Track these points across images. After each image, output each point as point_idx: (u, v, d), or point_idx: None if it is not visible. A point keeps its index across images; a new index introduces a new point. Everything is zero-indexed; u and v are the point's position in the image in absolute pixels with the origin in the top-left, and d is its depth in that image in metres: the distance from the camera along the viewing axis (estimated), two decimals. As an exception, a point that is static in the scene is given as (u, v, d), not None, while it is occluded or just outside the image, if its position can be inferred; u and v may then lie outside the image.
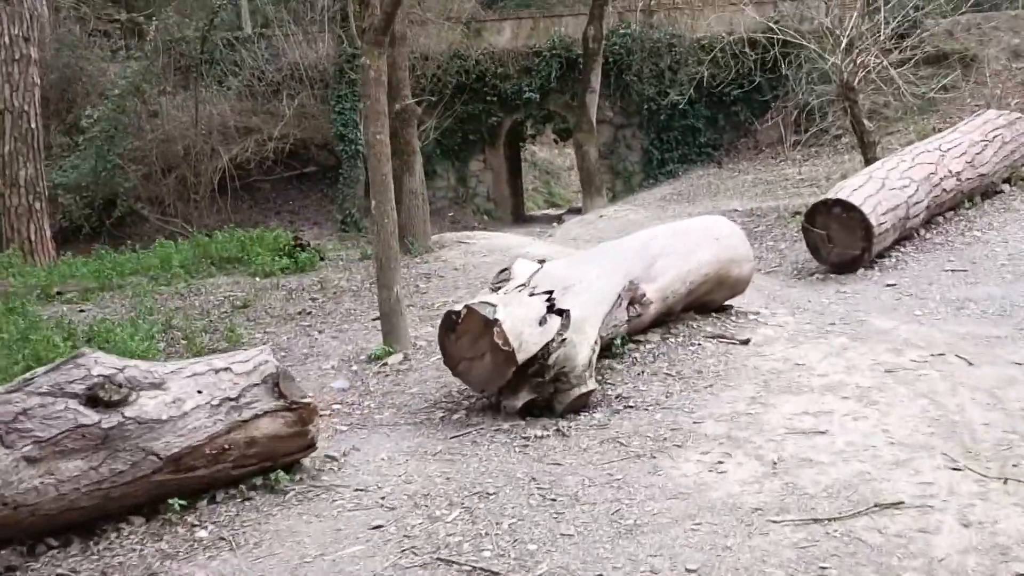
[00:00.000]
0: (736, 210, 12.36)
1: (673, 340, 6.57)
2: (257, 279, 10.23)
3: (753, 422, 5.00)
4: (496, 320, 5.06)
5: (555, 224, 18.49)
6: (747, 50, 15.61)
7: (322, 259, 11.26)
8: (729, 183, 15.70)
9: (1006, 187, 10.13)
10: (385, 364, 6.54)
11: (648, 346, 6.44)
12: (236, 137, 17.29)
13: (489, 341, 5.11)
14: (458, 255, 11.09)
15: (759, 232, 10.67)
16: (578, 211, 18.91)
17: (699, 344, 6.50)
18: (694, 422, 5.06)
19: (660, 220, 12.98)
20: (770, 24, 12.41)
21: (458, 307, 5.22)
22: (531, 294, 5.38)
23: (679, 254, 6.65)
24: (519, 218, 20.94)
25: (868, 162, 10.97)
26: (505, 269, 5.69)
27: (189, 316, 8.59)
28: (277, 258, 10.71)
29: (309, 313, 8.61)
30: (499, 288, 5.51)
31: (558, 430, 5.06)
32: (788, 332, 6.78)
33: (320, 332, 7.91)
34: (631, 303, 6.25)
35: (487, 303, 5.18)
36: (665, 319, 6.79)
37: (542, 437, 4.98)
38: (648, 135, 18.94)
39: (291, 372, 4.48)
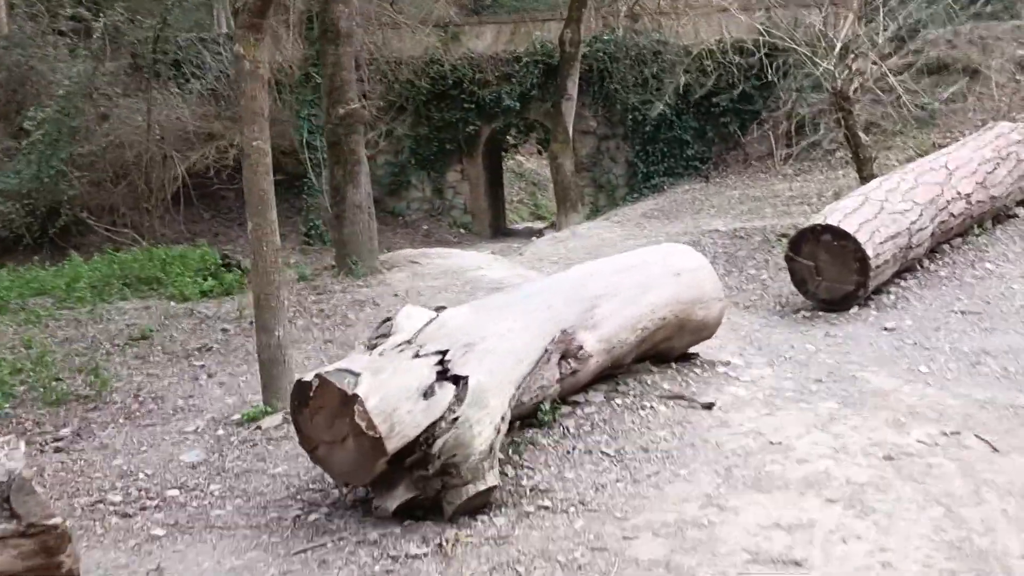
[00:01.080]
0: (718, 230, 10.92)
1: (620, 401, 5.13)
2: (172, 304, 8.82)
3: (704, 539, 3.55)
4: (356, 396, 3.61)
5: (534, 239, 17.06)
6: (737, 58, 14.17)
7: (254, 280, 9.84)
8: (715, 199, 14.23)
9: (1021, 211, 8.66)
10: (258, 428, 5.10)
11: (587, 409, 5.00)
12: (195, 143, 15.84)
13: (349, 422, 3.67)
14: (405, 278, 9.67)
15: (740, 257, 9.21)
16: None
17: (651, 407, 5.06)
18: (625, 536, 3.62)
19: (635, 240, 11.54)
20: (759, 27, 10.97)
21: (309, 376, 3.78)
22: (416, 355, 3.94)
23: (628, 294, 5.21)
24: (499, 231, 19.47)
25: (864, 179, 9.52)
26: (388, 319, 4.24)
27: (72, 351, 7.17)
28: (200, 279, 9.31)
29: (210, 349, 7.19)
30: (376, 346, 4.07)
31: (440, 545, 3.61)
32: (763, 391, 5.34)
33: (211, 376, 6.48)
34: (564, 357, 4.83)
35: (347, 371, 3.73)
36: (613, 372, 5.36)
37: (416, 557, 3.54)
38: (633, 147, 17.47)
39: (32, 486, 3.02)
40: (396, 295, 8.74)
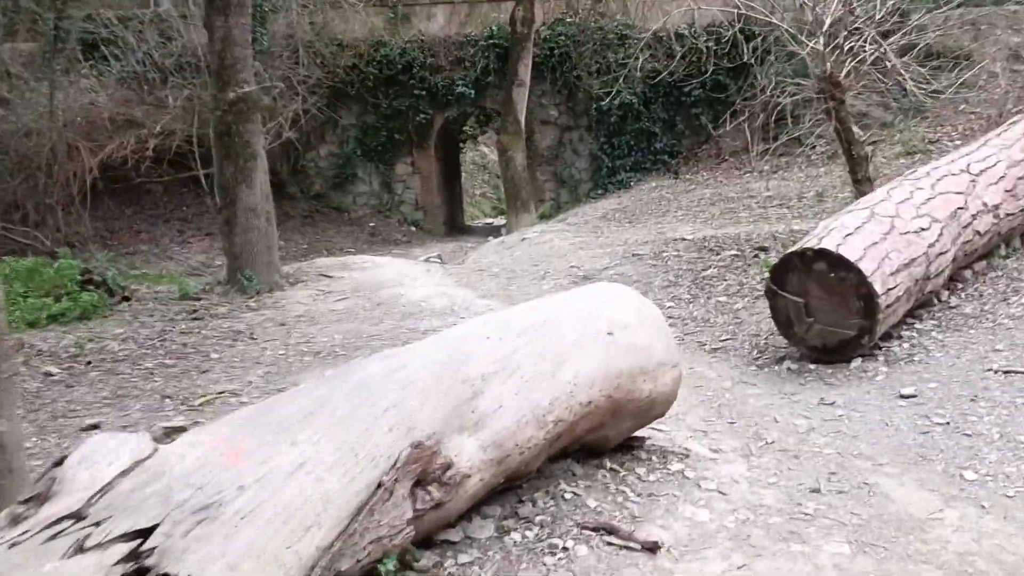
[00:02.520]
0: (684, 239, 9.04)
1: (518, 537, 3.23)
2: (10, 334, 6.83)
3: None
4: None
5: (490, 238, 15.12)
6: (710, 43, 12.24)
7: (126, 299, 7.88)
8: (683, 199, 12.36)
9: (1052, 225, 6.79)
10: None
11: (462, 558, 3.10)
12: (111, 132, 13.75)
13: None
14: (306, 297, 7.74)
15: (708, 278, 7.33)
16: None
17: (564, 548, 3.17)
18: None
19: (589, 249, 9.63)
20: (737, 2, 9.05)
21: None
22: (80, 547, 2.00)
23: (534, 370, 3.30)
24: (454, 229, 17.53)
25: (857, 182, 7.67)
26: (61, 460, 2.30)
27: None
28: (52, 301, 7.33)
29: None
30: (26, 517, 2.13)
31: None
32: (736, 513, 3.45)
33: (-27, 457, 4.51)
34: (421, 483, 2.92)
35: None
36: (512, 484, 3.47)
37: None
38: (597, 139, 15.57)
39: None
40: (282, 324, 6.81)
